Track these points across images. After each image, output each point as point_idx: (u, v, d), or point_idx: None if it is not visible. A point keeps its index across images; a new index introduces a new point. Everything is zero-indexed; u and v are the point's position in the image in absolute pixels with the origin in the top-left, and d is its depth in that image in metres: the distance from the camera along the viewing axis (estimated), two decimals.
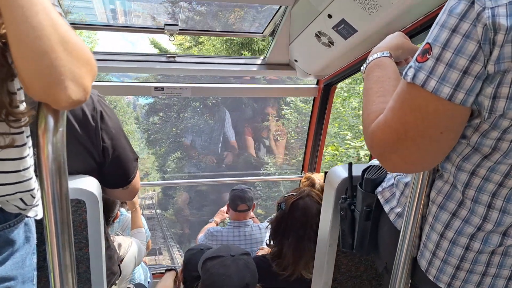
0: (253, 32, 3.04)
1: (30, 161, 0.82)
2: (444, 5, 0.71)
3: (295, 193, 1.92)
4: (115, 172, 1.25)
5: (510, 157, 0.74)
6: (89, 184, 1.10)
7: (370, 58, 0.97)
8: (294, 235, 1.83)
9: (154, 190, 14.82)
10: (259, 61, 2.82)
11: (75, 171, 1.14)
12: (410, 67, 0.72)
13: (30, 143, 0.82)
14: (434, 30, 0.70)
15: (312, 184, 2.46)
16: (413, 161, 0.76)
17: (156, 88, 2.87)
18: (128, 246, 1.84)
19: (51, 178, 0.69)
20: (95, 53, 3.15)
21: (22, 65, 0.65)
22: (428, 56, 0.69)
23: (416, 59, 0.72)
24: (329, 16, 1.92)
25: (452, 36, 0.66)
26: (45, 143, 0.68)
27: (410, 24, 1.74)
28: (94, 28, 2.80)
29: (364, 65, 0.99)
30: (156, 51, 9.17)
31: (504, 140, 0.73)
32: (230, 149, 5.53)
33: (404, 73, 0.74)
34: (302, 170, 3.37)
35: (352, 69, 2.43)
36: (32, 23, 0.62)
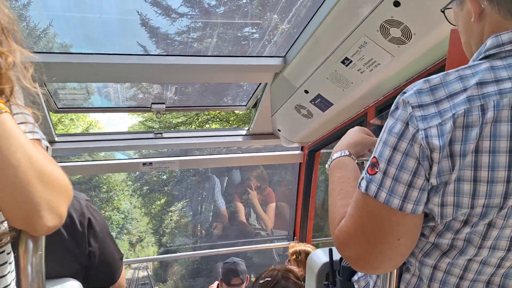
0: (237, 105, 3.18)
1: (10, 277, 0.82)
2: (412, 81, 0.77)
3: (270, 278, 1.88)
4: (101, 273, 1.26)
5: (466, 254, 0.77)
6: None
7: (332, 157, 1.02)
8: None
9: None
10: (244, 132, 2.91)
11: (60, 275, 1.14)
12: (363, 178, 0.78)
13: (11, 258, 0.82)
14: (378, 145, 0.77)
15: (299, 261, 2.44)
16: (376, 265, 0.79)
17: (144, 163, 2.91)
18: None
19: None
20: (84, 134, 3.23)
21: (1, 198, 0.68)
22: (376, 170, 0.75)
23: (367, 171, 0.78)
24: (306, 91, 2.05)
25: (393, 153, 0.73)
26: (25, 264, 0.71)
27: (382, 97, 1.86)
28: (83, 111, 2.90)
29: (328, 162, 1.04)
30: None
31: (458, 239, 0.77)
32: (221, 218, 5.45)
33: (358, 183, 0.79)
34: (294, 237, 3.33)
35: (334, 136, 2.53)
36: (10, 161, 0.66)
